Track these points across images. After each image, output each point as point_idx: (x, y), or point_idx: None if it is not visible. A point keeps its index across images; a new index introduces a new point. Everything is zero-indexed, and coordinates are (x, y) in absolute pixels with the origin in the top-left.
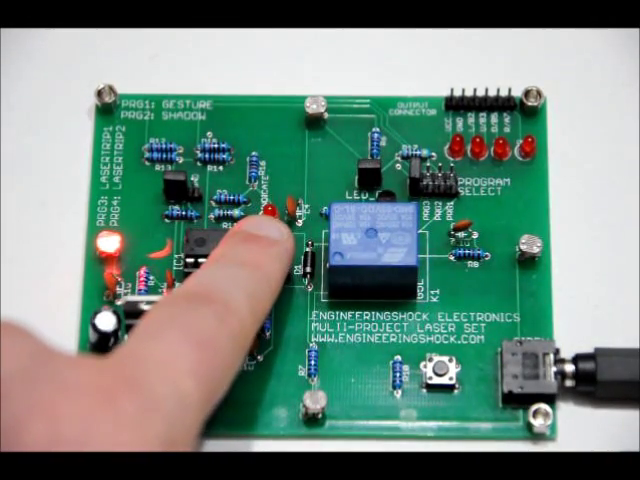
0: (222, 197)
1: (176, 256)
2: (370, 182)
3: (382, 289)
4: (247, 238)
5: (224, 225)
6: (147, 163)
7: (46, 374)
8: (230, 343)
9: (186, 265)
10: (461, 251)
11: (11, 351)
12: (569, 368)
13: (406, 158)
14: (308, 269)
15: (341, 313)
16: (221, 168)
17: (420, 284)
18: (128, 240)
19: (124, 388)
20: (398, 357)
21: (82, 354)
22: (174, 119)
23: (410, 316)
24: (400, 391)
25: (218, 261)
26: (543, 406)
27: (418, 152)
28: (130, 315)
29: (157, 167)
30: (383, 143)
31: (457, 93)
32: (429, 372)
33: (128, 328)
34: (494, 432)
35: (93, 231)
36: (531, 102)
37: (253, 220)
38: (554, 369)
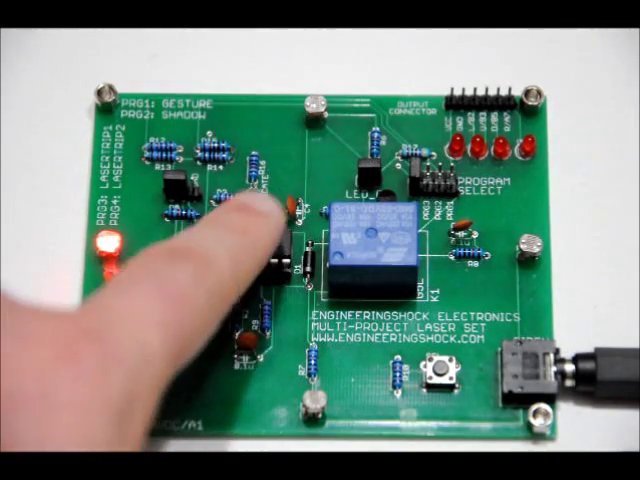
0: (222, 196)
1: None
2: (370, 181)
3: (382, 289)
4: (240, 207)
5: None
6: (147, 162)
7: (5, 325)
8: (205, 301)
9: None
10: (461, 251)
11: None
12: (569, 368)
13: (406, 157)
14: (308, 269)
15: (341, 313)
16: (221, 167)
17: (420, 284)
18: (128, 240)
19: (86, 340)
20: (398, 357)
21: (48, 305)
22: (174, 118)
23: (410, 316)
24: (400, 391)
25: (207, 223)
26: (543, 406)
27: (418, 151)
28: None
29: (157, 166)
30: (383, 142)
31: (457, 92)
32: (429, 372)
33: None
34: (494, 432)
35: (93, 231)
36: (531, 101)
37: (249, 193)
38: (554, 369)
